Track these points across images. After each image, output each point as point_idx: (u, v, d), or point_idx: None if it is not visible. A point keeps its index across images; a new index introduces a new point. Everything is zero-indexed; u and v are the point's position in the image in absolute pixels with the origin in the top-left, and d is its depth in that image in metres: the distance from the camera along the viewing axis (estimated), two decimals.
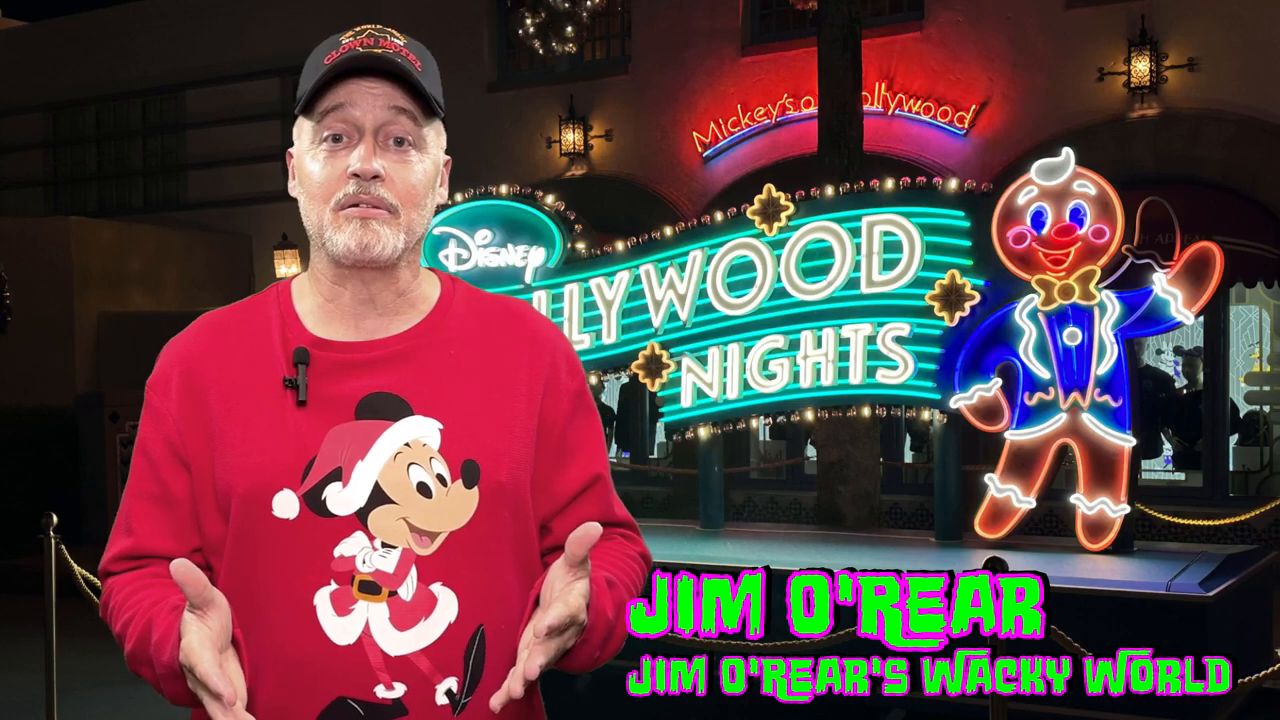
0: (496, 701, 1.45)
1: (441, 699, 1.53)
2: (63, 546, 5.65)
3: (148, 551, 1.60)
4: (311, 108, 1.58)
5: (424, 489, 1.54)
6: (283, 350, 1.60)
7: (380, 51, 1.56)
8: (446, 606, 1.53)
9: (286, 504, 1.53)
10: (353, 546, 1.52)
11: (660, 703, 6.39)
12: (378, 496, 1.53)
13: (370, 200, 1.56)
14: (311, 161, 1.58)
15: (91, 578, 5.60)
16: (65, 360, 12.95)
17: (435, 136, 1.63)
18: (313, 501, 1.52)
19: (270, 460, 1.54)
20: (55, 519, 5.69)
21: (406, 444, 1.55)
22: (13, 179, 16.39)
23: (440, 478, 1.55)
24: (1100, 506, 5.28)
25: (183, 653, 1.41)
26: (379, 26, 1.62)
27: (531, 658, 1.44)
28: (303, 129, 1.61)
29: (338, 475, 1.53)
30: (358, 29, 1.61)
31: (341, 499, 1.53)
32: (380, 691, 1.51)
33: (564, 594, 1.46)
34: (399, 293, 1.63)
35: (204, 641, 1.41)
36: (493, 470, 1.57)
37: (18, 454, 11.24)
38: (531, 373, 1.65)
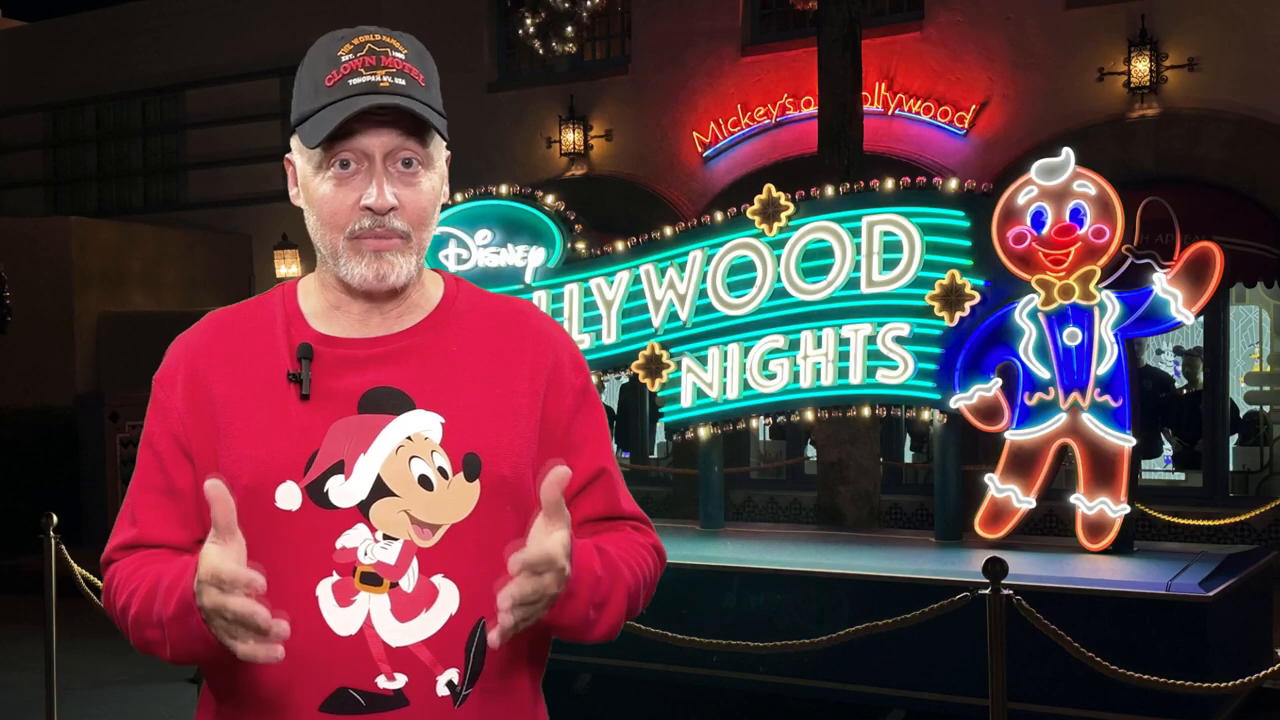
0: (494, 637, 1.44)
1: (443, 690, 1.55)
2: (63, 546, 5.65)
3: (152, 542, 1.62)
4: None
5: (425, 482, 1.56)
6: (287, 346, 1.62)
7: (386, 80, 1.54)
8: (448, 598, 1.55)
9: (289, 496, 1.55)
10: (355, 538, 1.54)
11: (661, 702, 6.38)
12: (380, 489, 1.55)
13: (384, 233, 1.57)
14: (321, 184, 1.58)
15: (91, 578, 5.60)
16: (65, 360, 12.95)
17: (438, 146, 1.63)
18: (315, 493, 1.55)
19: (273, 453, 1.56)
20: (55, 519, 5.69)
21: (409, 437, 1.57)
22: (13, 179, 16.39)
23: (442, 470, 1.57)
24: (1100, 506, 5.28)
25: (201, 569, 1.40)
26: (377, 37, 1.58)
27: (507, 591, 1.42)
28: (304, 147, 1.60)
29: (340, 468, 1.55)
30: (356, 42, 1.57)
31: (344, 491, 1.55)
32: (381, 682, 1.53)
33: (540, 540, 1.45)
34: (404, 296, 1.65)
35: (225, 554, 1.41)
36: (494, 464, 1.59)
37: (18, 454, 11.24)
38: (534, 369, 1.66)
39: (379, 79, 1.54)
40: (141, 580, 1.57)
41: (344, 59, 1.56)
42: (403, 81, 1.55)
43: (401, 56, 1.57)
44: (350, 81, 1.54)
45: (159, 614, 1.51)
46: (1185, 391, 10.89)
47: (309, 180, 1.60)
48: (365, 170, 1.56)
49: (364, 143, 1.55)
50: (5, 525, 10.64)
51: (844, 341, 5.85)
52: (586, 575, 1.52)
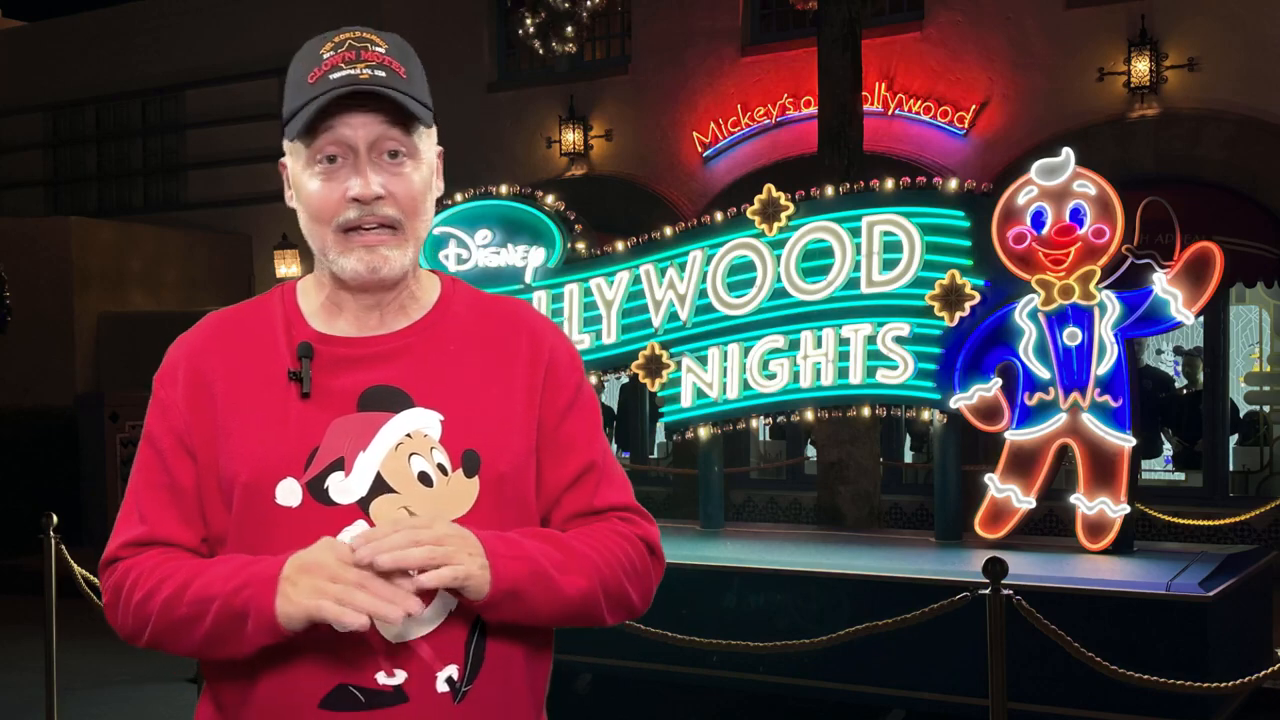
0: (427, 578, 1.48)
1: (442, 686, 1.55)
2: (63, 546, 5.65)
3: (161, 539, 1.63)
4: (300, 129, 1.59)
5: (425, 478, 1.57)
6: (287, 345, 1.64)
7: (366, 73, 1.56)
8: (447, 595, 1.54)
9: (289, 492, 1.56)
10: (354, 534, 1.54)
11: (661, 702, 6.37)
12: (379, 486, 1.56)
13: (374, 220, 1.58)
14: (309, 181, 1.60)
15: (91, 578, 5.60)
16: (65, 360, 12.95)
17: (427, 138, 1.64)
18: (315, 490, 1.56)
19: (273, 450, 1.57)
20: (55, 519, 5.69)
21: (408, 435, 1.58)
22: (13, 179, 16.39)
23: (441, 467, 1.58)
24: (1100, 506, 5.28)
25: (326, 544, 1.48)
26: (358, 34, 1.62)
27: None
28: (293, 147, 1.62)
29: (340, 465, 1.56)
30: (337, 39, 1.60)
31: (344, 488, 1.56)
32: (381, 678, 1.53)
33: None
34: (400, 291, 1.66)
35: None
36: (494, 460, 1.60)
37: (18, 454, 11.23)
38: (530, 370, 1.67)
39: (358, 71, 1.56)
40: (172, 571, 1.56)
41: (325, 56, 1.59)
42: (383, 74, 1.57)
43: (382, 51, 1.60)
44: (331, 76, 1.56)
45: (211, 593, 1.51)
46: (1185, 391, 10.88)
47: (299, 178, 1.62)
48: (350, 163, 1.58)
49: (346, 134, 1.57)
50: (5, 525, 10.64)
51: (844, 341, 5.85)
52: (500, 543, 1.54)
